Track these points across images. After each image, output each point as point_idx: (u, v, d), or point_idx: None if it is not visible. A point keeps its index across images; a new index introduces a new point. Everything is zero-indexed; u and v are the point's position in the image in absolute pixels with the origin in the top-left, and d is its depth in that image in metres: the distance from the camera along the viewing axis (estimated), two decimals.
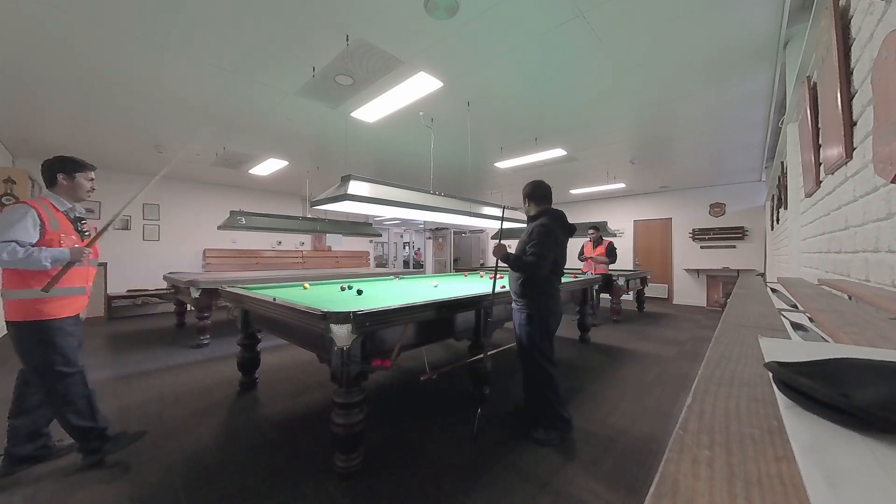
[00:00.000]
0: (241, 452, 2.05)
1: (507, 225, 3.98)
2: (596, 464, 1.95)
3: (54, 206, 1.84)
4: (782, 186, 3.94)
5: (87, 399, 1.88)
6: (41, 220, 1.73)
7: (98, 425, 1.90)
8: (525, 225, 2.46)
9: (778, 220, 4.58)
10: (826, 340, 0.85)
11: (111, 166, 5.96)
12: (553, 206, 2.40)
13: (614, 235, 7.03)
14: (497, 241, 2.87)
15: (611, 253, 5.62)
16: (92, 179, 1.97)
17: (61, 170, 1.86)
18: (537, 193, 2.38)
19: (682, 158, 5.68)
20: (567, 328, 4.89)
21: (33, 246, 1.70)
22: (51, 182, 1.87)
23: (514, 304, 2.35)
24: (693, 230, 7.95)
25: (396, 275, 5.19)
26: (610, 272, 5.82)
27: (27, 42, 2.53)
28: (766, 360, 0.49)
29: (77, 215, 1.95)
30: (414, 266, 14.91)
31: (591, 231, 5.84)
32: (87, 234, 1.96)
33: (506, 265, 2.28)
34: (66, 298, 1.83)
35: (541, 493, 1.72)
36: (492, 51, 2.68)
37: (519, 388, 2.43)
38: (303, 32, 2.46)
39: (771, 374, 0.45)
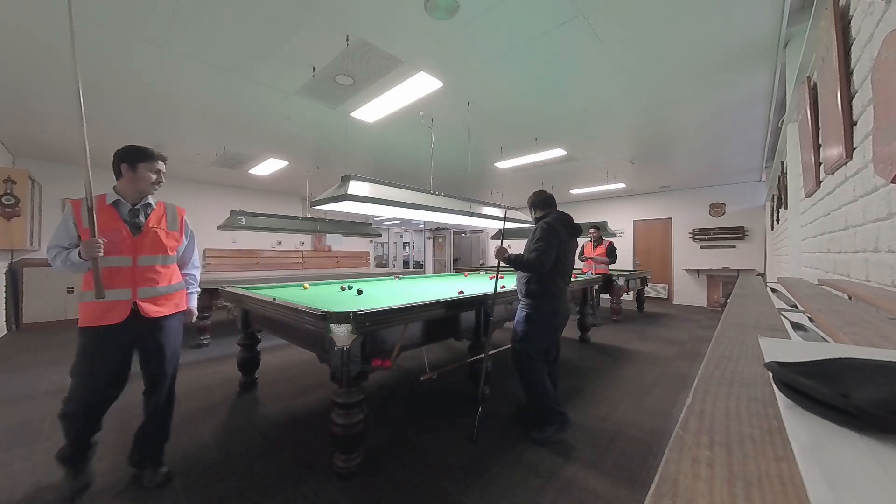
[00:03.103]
0: (241, 452, 2.05)
1: (508, 225, 3.98)
2: (596, 464, 1.95)
3: (105, 201, 1.69)
4: (782, 186, 3.94)
5: (75, 438, 1.65)
6: (76, 218, 1.63)
7: (67, 468, 1.67)
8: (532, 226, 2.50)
9: (778, 220, 4.58)
10: (826, 340, 0.85)
11: (110, 166, 5.94)
12: (559, 210, 2.46)
13: (614, 235, 7.03)
14: (499, 241, 2.89)
15: (611, 253, 5.62)
16: (159, 171, 1.80)
17: (124, 160, 1.73)
18: (541, 200, 2.47)
19: (682, 158, 5.68)
20: (567, 328, 4.86)
21: (69, 247, 1.62)
22: (117, 173, 1.74)
23: (519, 304, 2.38)
24: (693, 230, 7.95)
25: (396, 275, 5.19)
26: (610, 272, 5.82)
27: (27, 42, 2.53)
28: (766, 360, 0.49)
29: (135, 207, 1.76)
30: (413, 265, 14.92)
31: (591, 231, 5.85)
32: (141, 228, 1.75)
33: (508, 266, 2.32)
34: (88, 305, 1.62)
35: (541, 492, 1.72)
36: (492, 51, 2.68)
37: (519, 388, 2.44)
38: (303, 32, 2.46)
39: (771, 374, 0.45)
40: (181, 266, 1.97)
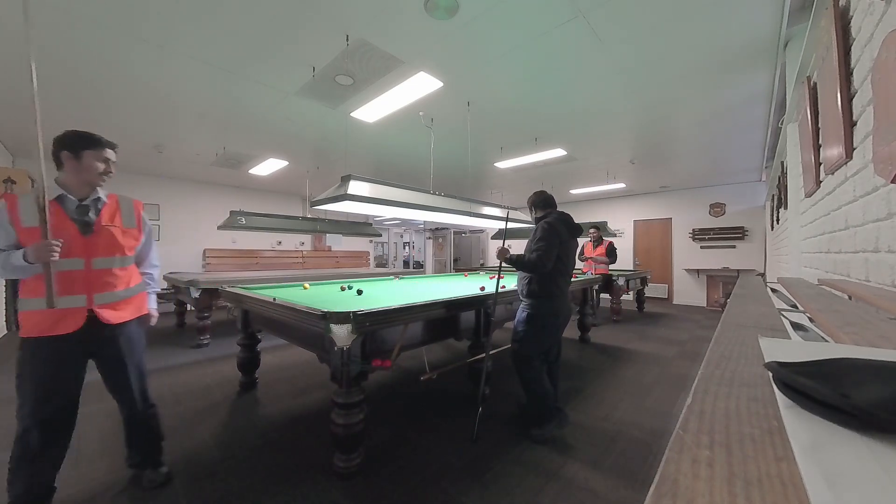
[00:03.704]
0: (241, 452, 2.05)
1: (510, 225, 3.98)
2: (596, 464, 1.95)
3: (47, 196, 1.46)
4: (782, 186, 3.94)
5: (27, 483, 1.45)
6: (12, 217, 1.44)
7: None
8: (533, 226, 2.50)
9: (778, 220, 4.58)
10: (826, 340, 0.85)
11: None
12: (559, 210, 2.46)
13: (614, 235, 7.03)
14: (499, 242, 2.90)
15: (611, 253, 5.62)
16: (108, 160, 1.59)
17: (64, 147, 1.52)
18: (541, 200, 2.48)
19: (682, 158, 5.68)
20: (567, 328, 4.88)
21: (8, 248, 1.43)
22: (57, 163, 1.53)
23: (520, 304, 2.39)
24: (693, 230, 7.95)
25: (396, 275, 5.19)
26: (610, 272, 5.82)
27: (24, 42, 2.53)
28: (766, 360, 0.49)
29: (83, 203, 1.56)
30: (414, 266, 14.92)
31: (591, 231, 5.85)
32: (92, 226, 1.56)
33: (509, 266, 2.32)
34: (34, 314, 1.44)
35: (541, 492, 1.72)
36: (492, 51, 2.68)
37: (520, 387, 2.44)
38: (303, 32, 2.46)
39: (771, 374, 0.45)
40: (138, 265, 1.79)
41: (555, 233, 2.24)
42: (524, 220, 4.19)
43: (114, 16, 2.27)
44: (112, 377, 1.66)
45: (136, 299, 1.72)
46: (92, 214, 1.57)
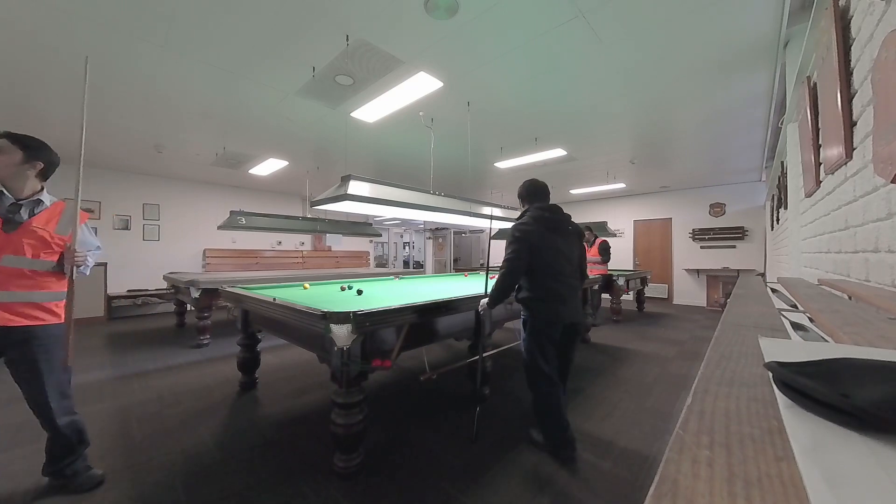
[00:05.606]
0: (241, 452, 2.05)
1: (505, 225, 3.99)
2: (596, 464, 1.95)
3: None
4: (782, 186, 3.94)
5: None
6: None
7: None
8: None
9: (778, 220, 4.58)
10: (826, 340, 0.85)
11: (110, 166, 5.96)
12: (551, 203, 2.22)
13: (614, 235, 7.02)
14: (500, 242, 2.83)
15: (603, 252, 5.60)
16: None
17: None
18: (527, 191, 2.27)
19: (682, 158, 5.68)
20: None
21: None
22: None
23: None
24: (693, 230, 7.95)
25: (396, 275, 5.19)
26: (610, 272, 5.81)
27: (27, 42, 2.53)
28: (766, 360, 0.49)
29: (19, 202, 1.59)
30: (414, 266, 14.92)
31: (585, 232, 5.83)
32: (16, 225, 1.56)
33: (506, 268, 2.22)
34: None
35: (540, 493, 1.72)
36: (492, 51, 2.68)
37: (519, 388, 2.43)
38: (303, 32, 2.46)
39: (771, 374, 0.45)
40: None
41: (521, 239, 2.01)
42: (514, 219, 4.17)
43: (115, 16, 2.27)
44: (22, 385, 1.63)
45: (49, 307, 1.64)
46: (23, 213, 1.58)
